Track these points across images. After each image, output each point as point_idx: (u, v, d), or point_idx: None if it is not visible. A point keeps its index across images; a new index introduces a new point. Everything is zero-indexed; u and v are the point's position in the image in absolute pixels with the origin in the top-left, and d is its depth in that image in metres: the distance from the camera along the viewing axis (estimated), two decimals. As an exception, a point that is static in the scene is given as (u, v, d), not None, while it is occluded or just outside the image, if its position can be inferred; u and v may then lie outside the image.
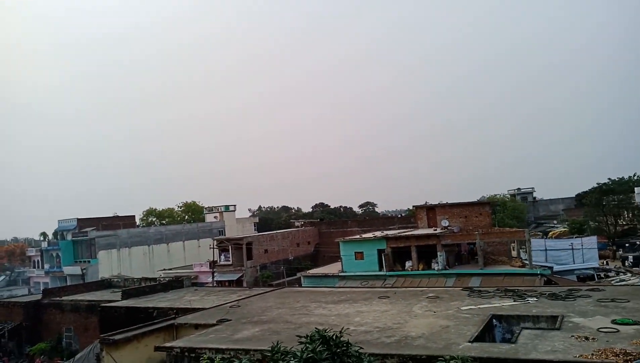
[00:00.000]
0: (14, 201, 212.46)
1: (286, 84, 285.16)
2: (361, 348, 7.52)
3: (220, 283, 44.02)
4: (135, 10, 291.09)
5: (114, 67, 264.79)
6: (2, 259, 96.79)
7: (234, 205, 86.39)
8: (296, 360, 6.54)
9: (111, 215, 76.26)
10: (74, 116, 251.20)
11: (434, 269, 33.80)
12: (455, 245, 37.39)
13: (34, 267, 74.82)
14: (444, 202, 52.11)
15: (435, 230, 38.73)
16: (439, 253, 33.90)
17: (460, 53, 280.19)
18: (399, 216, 77.73)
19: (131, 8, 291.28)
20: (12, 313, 36.83)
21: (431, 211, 44.47)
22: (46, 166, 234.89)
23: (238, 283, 45.08)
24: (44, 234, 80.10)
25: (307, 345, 6.88)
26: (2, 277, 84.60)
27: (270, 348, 7.38)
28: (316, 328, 7.71)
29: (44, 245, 71.44)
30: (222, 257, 48.88)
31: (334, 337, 7.19)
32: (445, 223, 40.73)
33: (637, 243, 49.80)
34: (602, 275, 37.61)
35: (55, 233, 72.60)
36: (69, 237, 66.81)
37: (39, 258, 72.28)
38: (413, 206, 56.98)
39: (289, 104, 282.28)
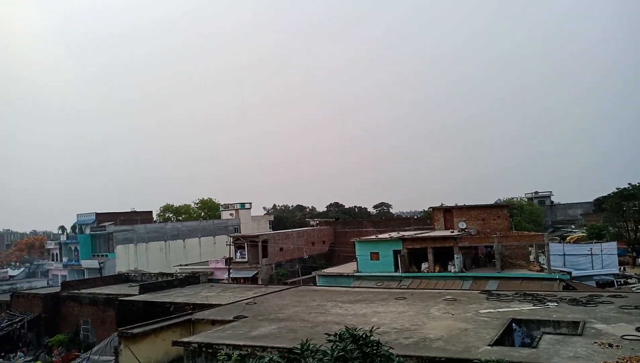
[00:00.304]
0: (33, 196, 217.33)
1: (295, 83, 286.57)
2: (391, 348, 7.47)
3: (236, 280, 44.29)
4: (137, 10, 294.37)
5: (124, 66, 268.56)
6: (22, 251, 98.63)
7: (250, 203, 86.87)
8: (327, 358, 6.50)
9: (129, 210, 77.14)
10: (90, 114, 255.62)
11: (450, 271, 33.53)
12: (472, 248, 37.06)
13: (53, 260, 76.11)
14: (459, 204, 51.67)
15: (452, 231, 38.44)
16: (455, 256, 33.61)
17: (469, 53, 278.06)
18: (415, 217, 77.31)
19: (132, 8, 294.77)
20: (31, 305, 37.44)
21: (448, 213, 44.09)
22: (64, 163, 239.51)
23: (253, 280, 45.31)
24: (62, 227, 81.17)
25: (337, 343, 6.84)
26: (22, 269, 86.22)
27: (299, 346, 7.33)
28: (346, 326, 7.67)
29: (63, 238, 72.55)
30: (238, 254, 49.17)
31: (364, 335, 7.14)
32: (462, 225, 40.38)
33: (658, 250, 48.80)
34: (622, 282, 36.95)
35: (73, 227, 73.61)
36: (88, 231, 67.75)
37: (58, 251, 73.49)
38: (430, 208, 56.66)
39: (300, 103, 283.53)
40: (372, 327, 7.59)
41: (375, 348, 7.03)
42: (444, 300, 20.94)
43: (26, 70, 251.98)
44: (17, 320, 35.20)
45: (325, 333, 8.05)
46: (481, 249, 38.58)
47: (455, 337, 14.30)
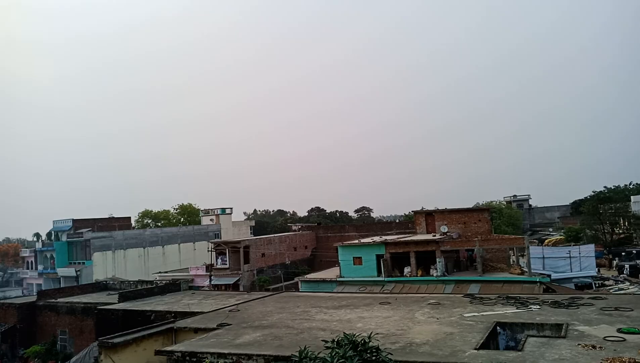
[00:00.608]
0: (5, 201, 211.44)
1: (280, 84, 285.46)
2: (390, 354, 7.36)
3: (217, 287, 43.71)
4: (121, 11, 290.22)
5: (114, 65, 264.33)
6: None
7: (231, 208, 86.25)
8: None
9: (107, 216, 75.76)
10: (68, 114, 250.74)
11: (432, 275, 33.71)
12: (454, 251, 37.34)
13: (27, 268, 74.13)
14: (439, 208, 52.18)
15: (434, 235, 38.70)
16: (438, 259, 33.81)
17: (457, 57, 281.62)
18: (396, 221, 77.74)
19: (133, 5, 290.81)
20: (6, 315, 36.26)
21: (430, 216, 44.44)
22: (39, 165, 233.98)
23: (235, 287, 44.82)
24: (37, 234, 79.25)
25: (336, 350, 6.69)
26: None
27: (297, 353, 7.15)
28: (344, 332, 7.54)
29: (38, 245, 70.79)
30: (219, 260, 48.61)
31: (362, 342, 7.02)
32: (444, 229, 40.72)
33: (633, 252, 49.98)
34: (599, 284, 37.71)
35: (49, 234, 71.95)
36: (64, 238, 66.30)
37: (33, 259, 71.66)
38: (411, 212, 57.13)
39: (281, 106, 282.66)
40: (371, 333, 7.49)
41: (375, 354, 6.92)
42: (428, 304, 21.02)
43: (25, 66, 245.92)
44: (-10, 331, 34.12)
45: (323, 340, 7.92)
46: (463, 253, 38.91)
47: (441, 341, 14.33)
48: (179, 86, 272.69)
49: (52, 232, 70.75)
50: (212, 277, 45.76)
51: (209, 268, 46.89)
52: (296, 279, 41.03)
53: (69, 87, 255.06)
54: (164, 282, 37.16)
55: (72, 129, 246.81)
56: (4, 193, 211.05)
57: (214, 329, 18.89)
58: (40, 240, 72.79)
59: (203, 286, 43.19)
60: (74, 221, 68.39)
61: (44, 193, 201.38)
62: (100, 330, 25.59)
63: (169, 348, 16.77)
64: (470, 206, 66.79)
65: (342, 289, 33.81)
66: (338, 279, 36.46)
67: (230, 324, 19.49)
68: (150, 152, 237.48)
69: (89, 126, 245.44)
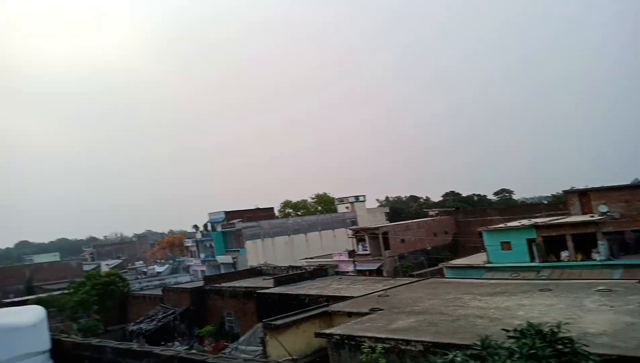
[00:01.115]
0: (168, 200, 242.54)
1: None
2: (585, 345, 6.94)
3: (361, 272, 44.84)
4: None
5: (233, 74, 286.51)
6: (165, 249, 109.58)
7: (364, 195, 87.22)
8: (517, 356, 6.20)
9: (253, 207, 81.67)
10: (200, 123, 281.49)
11: (595, 259, 30.71)
12: (618, 233, 33.57)
13: (192, 256, 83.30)
14: (590, 186, 46.97)
15: (592, 216, 35.16)
16: (600, 242, 30.69)
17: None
18: (544, 202, 71.95)
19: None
20: (180, 298, 41.31)
21: (584, 196, 40.50)
22: (193, 168, 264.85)
23: (378, 272, 45.54)
24: (195, 226, 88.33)
25: (523, 340, 6.47)
26: (166, 266, 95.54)
27: (480, 343, 7.03)
28: (528, 321, 7.26)
29: (198, 236, 78.99)
30: (360, 247, 49.74)
31: (551, 331, 6.70)
32: (603, 208, 36.71)
33: None
34: None
35: (205, 225, 79.75)
36: (219, 228, 73.02)
37: (195, 248, 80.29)
38: (561, 191, 52.48)
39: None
40: (560, 322, 7.07)
41: (568, 345, 6.54)
42: (597, 291, 19.16)
43: (145, 86, 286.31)
44: (170, 312, 39.15)
45: (503, 329, 7.69)
46: (629, 234, 34.78)
47: (621, 332, 13.00)
48: (290, 87, 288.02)
49: (208, 224, 78.45)
50: (355, 263, 47.03)
51: (352, 254, 48.22)
52: (440, 265, 40.36)
53: (196, 97, 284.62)
54: (311, 267, 39.09)
55: (207, 138, 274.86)
56: (167, 194, 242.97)
57: (366, 313, 19.26)
58: (198, 231, 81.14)
59: (347, 272, 44.58)
60: (225, 213, 74.91)
61: (198, 193, 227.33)
62: (261, 313, 27.80)
63: (327, 331, 17.50)
64: (628, 183, 59.03)
65: (491, 275, 32.43)
66: (486, 265, 35.04)
67: (382, 309, 19.75)
68: (285, 149, 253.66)
69: (220, 133, 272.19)
